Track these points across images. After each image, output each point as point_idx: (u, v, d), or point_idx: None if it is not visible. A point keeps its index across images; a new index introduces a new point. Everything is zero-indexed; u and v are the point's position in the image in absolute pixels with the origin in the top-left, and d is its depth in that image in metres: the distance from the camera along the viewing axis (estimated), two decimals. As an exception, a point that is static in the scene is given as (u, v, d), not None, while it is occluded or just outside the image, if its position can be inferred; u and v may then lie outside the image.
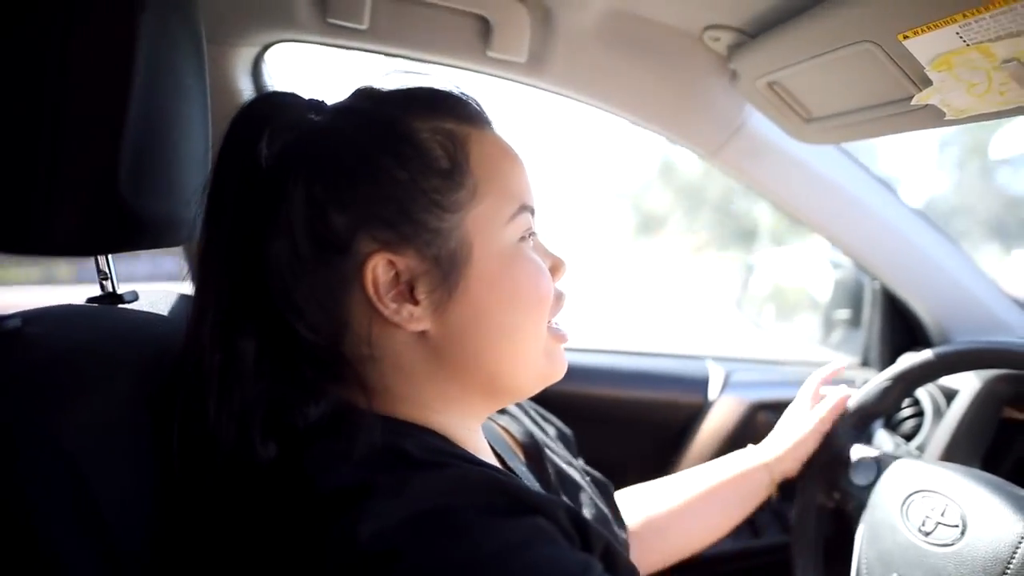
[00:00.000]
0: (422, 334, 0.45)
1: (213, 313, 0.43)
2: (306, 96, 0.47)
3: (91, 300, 0.57)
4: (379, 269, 0.43)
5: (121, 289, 0.57)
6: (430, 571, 0.35)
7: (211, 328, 0.42)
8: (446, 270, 0.45)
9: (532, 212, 0.49)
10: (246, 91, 0.85)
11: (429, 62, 0.83)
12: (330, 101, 0.48)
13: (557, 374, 0.52)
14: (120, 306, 0.57)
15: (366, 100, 0.48)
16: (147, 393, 0.46)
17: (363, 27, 0.76)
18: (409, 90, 0.48)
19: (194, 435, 0.42)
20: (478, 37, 0.79)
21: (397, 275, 0.44)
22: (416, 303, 0.45)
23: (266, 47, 0.84)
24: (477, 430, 0.52)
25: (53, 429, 0.38)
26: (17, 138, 0.41)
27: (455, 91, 0.49)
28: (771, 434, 0.83)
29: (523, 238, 0.48)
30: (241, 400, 0.42)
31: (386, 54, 0.82)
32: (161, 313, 0.58)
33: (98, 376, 0.44)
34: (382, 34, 0.79)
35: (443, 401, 0.48)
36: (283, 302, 0.42)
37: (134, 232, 0.49)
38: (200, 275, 0.45)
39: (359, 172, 0.43)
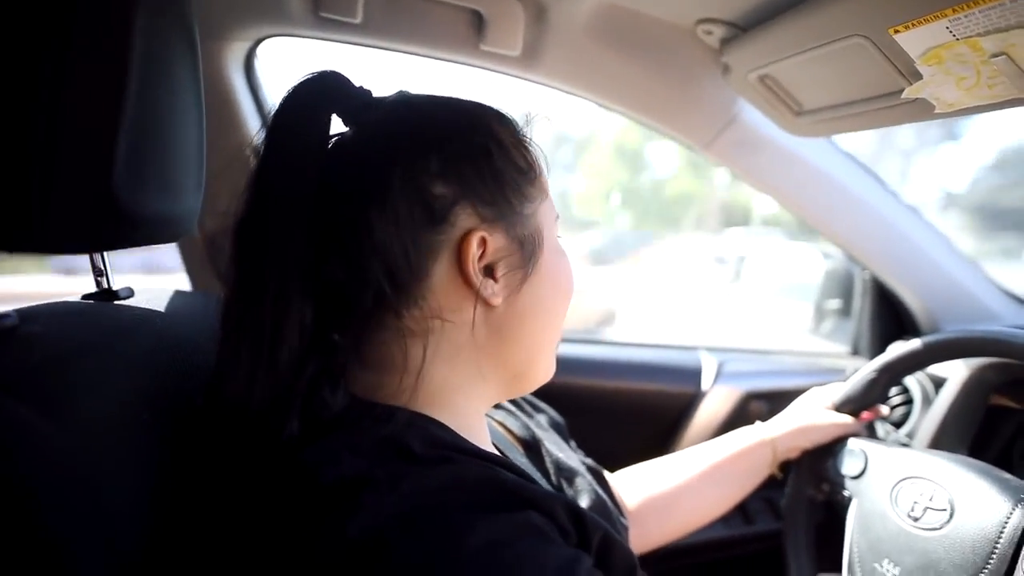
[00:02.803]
0: (489, 311, 0.48)
1: (288, 277, 0.43)
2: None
3: (87, 297, 0.57)
4: (475, 243, 0.46)
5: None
6: (416, 566, 0.35)
7: (297, 291, 0.42)
8: (528, 253, 0.49)
9: (558, 219, 0.54)
10: (238, 85, 0.84)
11: (423, 56, 0.83)
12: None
13: (553, 371, 0.56)
14: (116, 303, 0.57)
15: (445, 98, 0.51)
16: (145, 389, 0.46)
17: (356, 21, 0.76)
18: (482, 102, 0.52)
19: (220, 403, 0.42)
20: (472, 31, 0.79)
21: (483, 253, 0.47)
22: (496, 281, 0.48)
23: (259, 41, 0.84)
24: (483, 418, 0.54)
25: (53, 426, 0.38)
26: (13, 137, 0.41)
27: (509, 111, 0.52)
28: (780, 414, 0.84)
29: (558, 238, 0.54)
30: (287, 363, 0.42)
31: (379, 48, 0.82)
32: (157, 309, 0.58)
33: (96, 373, 0.44)
34: (375, 28, 0.79)
35: (470, 379, 0.50)
36: (378, 263, 0.44)
37: (130, 229, 0.49)
38: (254, 242, 0.44)
39: (471, 150, 0.47)
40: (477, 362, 0.49)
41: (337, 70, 0.48)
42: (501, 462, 0.45)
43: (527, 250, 0.49)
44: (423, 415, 0.46)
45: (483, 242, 0.46)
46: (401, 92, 0.51)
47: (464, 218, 0.46)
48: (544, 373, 0.55)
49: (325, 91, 0.46)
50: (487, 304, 0.48)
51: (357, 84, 0.49)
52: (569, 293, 0.53)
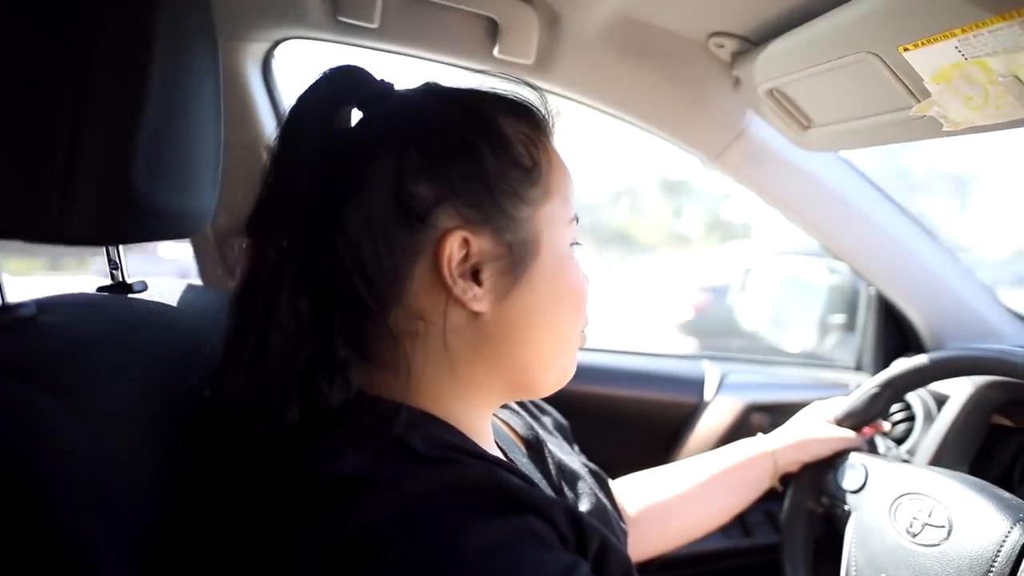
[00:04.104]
0: (475, 316, 0.47)
1: (283, 268, 0.43)
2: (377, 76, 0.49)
3: (101, 289, 0.58)
4: (455, 245, 0.44)
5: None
6: (412, 565, 0.35)
7: (288, 281, 0.43)
8: (517, 258, 0.47)
9: (578, 222, 0.52)
10: (256, 86, 0.86)
11: (438, 62, 0.84)
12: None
13: (571, 375, 0.54)
14: (130, 296, 0.58)
15: (450, 90, 0.50)
16: (159, 381, 0.47)
17: (373, 26, 0.77)
18: (495, 92, 0.50)
19: (224, 404, 0.43)
20: (486, 38, 0.81)
21: (467, 255, 0.45)
22: (480, 285, 0.46)
23: (277, 43, 0.85)
24: (488, 420, 0.54)
25: (69, 414, 0.39)
26: (37, 132, 0.42)
27: (534, 101, 0.51)
28: (782, 427, 0.84)
29: (571, 244, 0.51)
30: (277, 351, 0.42)
31: (395, 53, 0.83)
32: (170, 303, 0.59)
33: (111, 364, 0.45)
34: (392, 33, 0.80)
35: (467, 386, 0.49)
36: (351, 260, 0.43)
37: (146, 223, 0.50)
38: (260, 235, 0.45)
39: (455, 149, 0.45)
40: (471, 368, 0.48)
41: (357, 64, 0.47)
42: (503, 464, 0.45)
43: (516, 255, 0.46)
44: (427, 414, 0.47)
45: (465, 243, 0.45)
46: (426, 84, 0.50)
47: (445, 219, 0.45)
48: (553, 380, 0.52)
49: (339, 84, 0.46)
50: (467, 308, 0.46)
51: (379, 78, 0.48)
52: (574, 302, 0.50)
